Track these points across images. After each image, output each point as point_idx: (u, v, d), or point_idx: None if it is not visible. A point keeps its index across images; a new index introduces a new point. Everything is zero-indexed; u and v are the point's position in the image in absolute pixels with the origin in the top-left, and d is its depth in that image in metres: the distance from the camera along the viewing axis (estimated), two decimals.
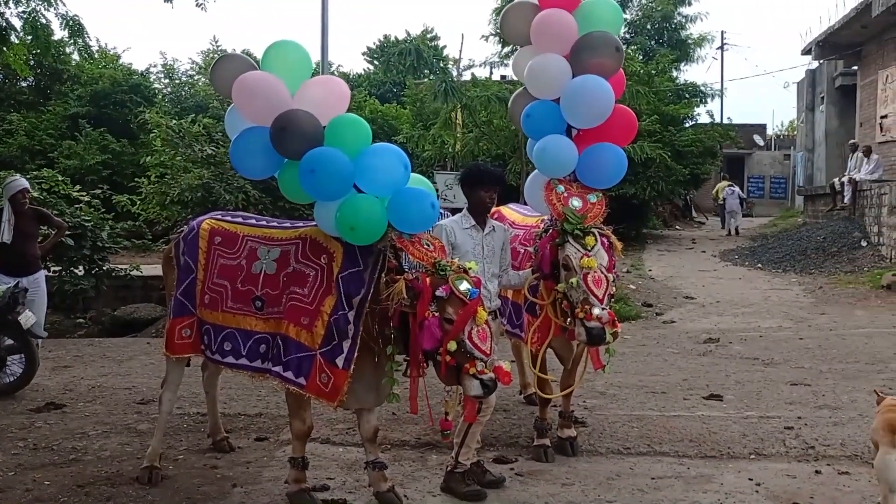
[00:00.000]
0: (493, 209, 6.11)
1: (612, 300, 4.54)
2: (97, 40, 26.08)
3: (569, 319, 4.61)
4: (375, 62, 36.30)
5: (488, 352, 3.85)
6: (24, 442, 5.37)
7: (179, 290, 4.65)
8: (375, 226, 3.95)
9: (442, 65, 13.73)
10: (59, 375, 7.72)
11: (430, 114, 17.45)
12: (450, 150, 15.07)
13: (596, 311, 4.29)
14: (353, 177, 3.96)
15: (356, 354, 4.08)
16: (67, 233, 10.99)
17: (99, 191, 14.77)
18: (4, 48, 7.84)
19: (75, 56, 22.87)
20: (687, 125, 21.31)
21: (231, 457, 5.18)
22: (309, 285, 4.18)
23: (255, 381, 5.10)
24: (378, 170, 3.96)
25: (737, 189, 24.10)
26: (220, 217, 4.78)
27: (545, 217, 5.02)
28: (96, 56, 22.56)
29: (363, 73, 35.55)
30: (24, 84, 23.88)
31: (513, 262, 5.18)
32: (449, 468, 4.54)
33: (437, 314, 3.84)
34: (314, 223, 4.31)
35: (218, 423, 5.37)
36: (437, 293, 3.85)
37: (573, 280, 4.40)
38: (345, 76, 30.92)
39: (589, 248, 4.45)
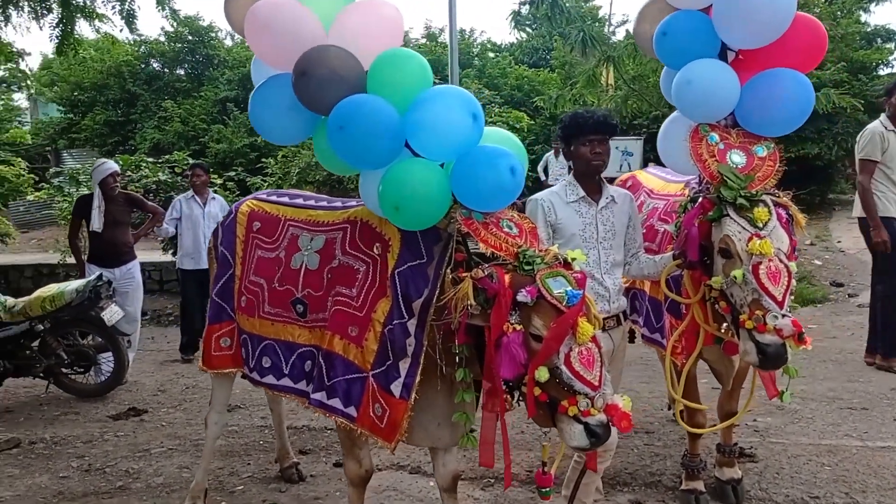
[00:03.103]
0: (627, 174, 4.79)
1: (793, 297, 3.09)
2: None
3: (725, 325, 3.23)
4: (527, 29, 34.84)
5: (596, 383, 2.58)
6: (79, 461, 4.71)
7: (216, 290, 3.73)
8: (431, 203, 2.77)
9: (582, 12, 12.11)
10: (161, 371, 7.21)
11: (579, 75, 15.92)
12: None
13: (772, 319, 2.89)
14: (401, 134, 2.80)
15: (419, 378, 2.95)
16: None
17: (233, 173, 14.61)
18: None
19: (221, 42, 23.30)
20: (882, 73, 18.32)
21: (298, 489, 4.24)
22: (358, 284, 3.09)
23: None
24: (434, 123, 2.76)
25: None
26: (263, 197, 3.79)
27: (692, 179, 3.63)
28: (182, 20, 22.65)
29: (516, 41, 34.26)
30: (180, 72, 24.64)
31: (650, 244, 3.83)
32: None
33: (519, 327, 2.63)
34: None
35: (286, 446, 4.44)
36: (520, 297, 2.62)
37: (736, 272, 2.99)
38: (493, 44, 29.72)
39: (760, 225, 3.02)
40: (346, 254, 3.18)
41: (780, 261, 2.97)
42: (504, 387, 2.72)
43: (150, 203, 7.23)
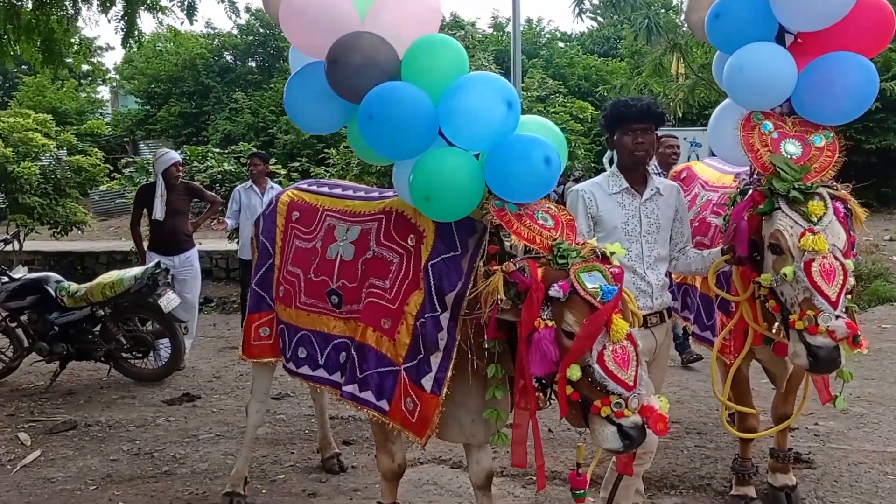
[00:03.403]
0: (682, 166, 4.62)
1: (850, 297, 2.90)
2: None
3: (776, 325, 3.05)
4: (597, 18, 34.36)
5: (631, 383, 2.46)
6: (130, 444, 4.82)
7: (256, 279, 3.74)
8: (462, 194, 2.70)
9: None
10: (219, 358, 7.34)
11: (646, 65, 15.53)
12: (660, 101, 13.10)
13: (825, 320, 2.70)
14: (433, 123, 2.73)
15: (453, 373, 2.88)
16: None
17: (298, 163, 14.80)
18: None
19: None
20: None
21: (339, 480, 4.23)
22: (391, 276, 3.04)
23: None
24: (467, 111, 2.68)
25: None
26: (304, 187, 3.77)
27: (743, 171, 3.45)
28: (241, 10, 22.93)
29: (586, 31, 33.81)
30: (252, 64, 25.15)
31: (701, 238, 3.67)
32: None
33: (551, 323, 2.53)
34: None
35: (328, 436, 4.44)
36: (552, 292, 2.52)
37: (787, 270, 2.81)
38: (562, 34, 29.37)
39: (815, 220, 2.83)
40: (380, 245, 3.13)
41: (836, 258, 2.78)
42: (536, 384, 2.63)
43: (209, 193, 7.35)
